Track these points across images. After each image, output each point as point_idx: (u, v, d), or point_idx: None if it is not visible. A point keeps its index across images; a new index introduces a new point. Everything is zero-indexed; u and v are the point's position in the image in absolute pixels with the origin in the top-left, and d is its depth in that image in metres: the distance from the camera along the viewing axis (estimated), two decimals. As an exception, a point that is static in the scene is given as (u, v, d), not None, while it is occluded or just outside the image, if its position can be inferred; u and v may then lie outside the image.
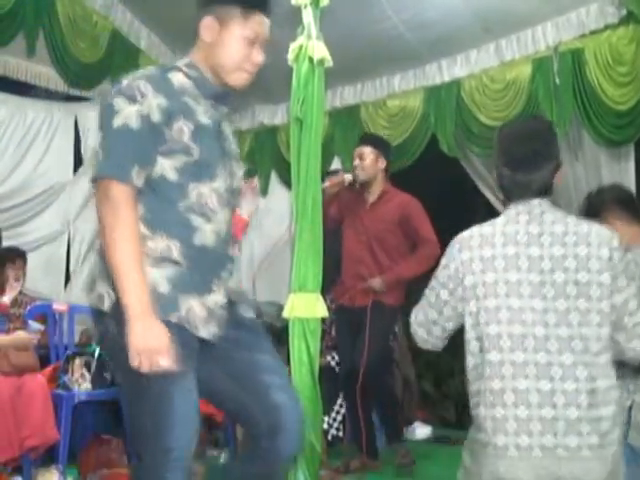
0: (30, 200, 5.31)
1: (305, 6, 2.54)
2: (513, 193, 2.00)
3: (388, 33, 4.90)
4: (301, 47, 2.50)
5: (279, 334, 5.35)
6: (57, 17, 5.16)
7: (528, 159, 1.98)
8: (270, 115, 6.19)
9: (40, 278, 5.17)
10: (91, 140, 5.64)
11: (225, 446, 4.37)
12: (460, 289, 1.97)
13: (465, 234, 2.02)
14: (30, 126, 5.34)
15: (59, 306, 3.92)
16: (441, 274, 2.04)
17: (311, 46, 2.48)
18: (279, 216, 6.02)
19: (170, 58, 5.91)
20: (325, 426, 4.33)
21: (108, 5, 5.47)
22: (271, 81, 5.87)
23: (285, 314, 2.47)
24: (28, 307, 4.54)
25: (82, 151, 5.68)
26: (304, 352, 2.42)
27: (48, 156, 5.44)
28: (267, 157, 6.18)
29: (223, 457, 4.24)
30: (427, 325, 2.07)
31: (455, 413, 6.16)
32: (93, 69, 5.44)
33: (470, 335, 1.95)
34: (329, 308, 3.22)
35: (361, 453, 3.96)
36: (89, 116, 5.64)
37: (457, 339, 6.64)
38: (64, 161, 5.56)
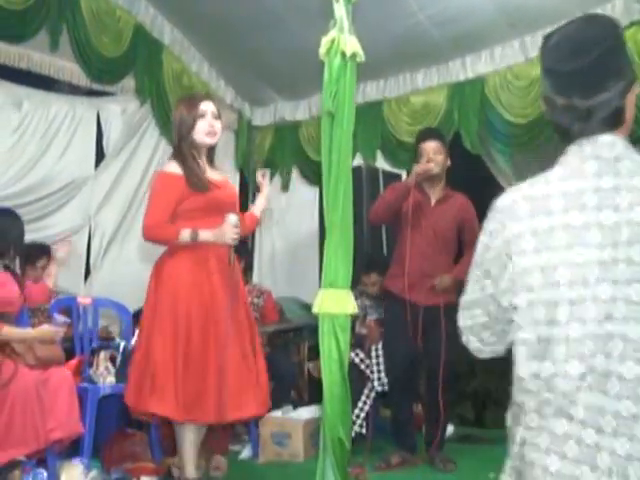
0: (52, 194, 5.30)
1: (337, 0, 2.52)
2: (570, 129, 1.44)
3: (413, 29, 4.88)
4: (333, 41, 2.48)
5: (300, 330, 5.36)
6: (81, 11, 5.19)
7: (585, 76, 1.41)
8: (292, 111, 6.19)
9: (60, 272, 5.17)
10: (113, 135, 5.67)
11: (247, 441, 4.37)
12: (506, 276, 1.44)
13: (507, 199, 1.48)
14: (53, 120, 5.33)
15: (83, 299, 3.92)
16: (483, 257, 1.52)
17: (343, 40, 2.46)
18: (300, 212, 6.02)
19: (193, 54, 5.94)
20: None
21: (132, 0, 5.48)
22: (293, 77, 5.90)
23: (314, 310, 2.46)
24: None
25: (104, 146, 5.68)
26: (334, 348, 2.40)
27: (70, 150, 5.42)
28: (288, 153, 6.17)
29: (244, 452, 4.24)
30: (477, 330, 1.58)
31: (474, 412, 6.15)
32: (116, 64, 5.46)
33: (523, 336, 1.42)
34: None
35: (401, 449, 4.02)
36: (111, 111, 5.65)
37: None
38: (86, 155, 5.54)
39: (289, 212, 6.00)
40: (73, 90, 5.64)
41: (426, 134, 4.29)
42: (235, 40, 5.62)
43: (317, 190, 5.89)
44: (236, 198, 3.33)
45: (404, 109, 5.45)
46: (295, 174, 6.19)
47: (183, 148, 3.21)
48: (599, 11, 4.58)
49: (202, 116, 3.20)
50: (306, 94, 6.05)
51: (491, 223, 1.49)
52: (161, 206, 3.14)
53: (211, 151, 3.32)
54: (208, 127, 3.20)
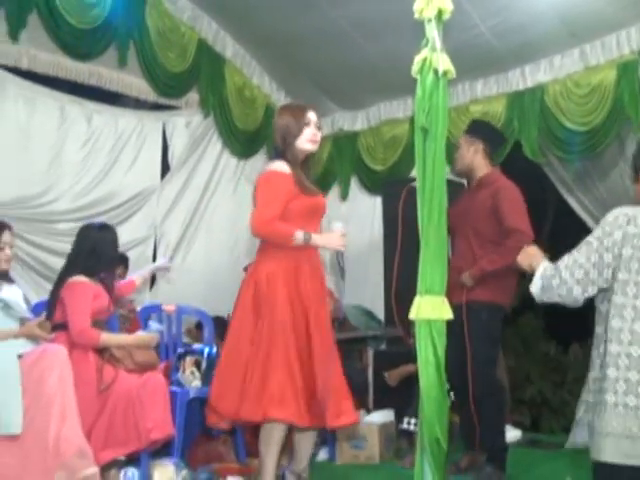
0: (119, 205, 5.49)
1: (429, 20, 2.63)
2: None
3: (473, 40, 4.95)
4: (425, 59, 2.59)
5: (363, 338, 5.46)
6: (147, 29, 5.38)
7: None
8: (350, 121, 6.31)
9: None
10: (177, 147, 5.84)
11: (319, 444, 4.47)
12: (617, 258, 2.37)
13: (629, 211, 2.42)
14: (121, 135, 5.52)
15: (168, 307, 4.07)
16: (607, 239, 2.39)
17: (436, 59, 2.57)
18: (360, 221, 6.12)
19: (254, 67, 6.10)
20: (412, 427, 4.37)
21: (195, 16, 5.67)
22: (352, 88, 6.02)
23: (412, 316, 2.56)
24: (124, 309, 4.74)
25: (169, 158, 5.87)
26: (431, 352, 2.50)
27: (137, 163, 5.61)
28: (347, 163, 6.27)
29: (321, 454, 4.34)
30: (585, 283, 2.40)
31: (530, 418, 6.20)
32: (181, 78, 5.65)
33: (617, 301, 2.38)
34: None
35: (469, 451, 4.04)
36: (176, 124, 5.83)
37: (538, 346, 6.51)
38: (152, 168, 5.73)
39: (348, 221, 6.08)
40: (139, 105, 5.84)
41: None
42: (295, 53, 5.77)
43: (377, 199, 6.00)
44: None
45: (463, 118, 5.51)
46: (354, 183, 6.29)
47: (288, 154, 3.24)
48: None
49: (308, 124, 3.28)
50: (364, 105, 6.17)
51: (615, 220, 2.43)
52: (274, 202, 3.11)
53: (308, 160, 3.35)
54: (312, 135, 3.28)
